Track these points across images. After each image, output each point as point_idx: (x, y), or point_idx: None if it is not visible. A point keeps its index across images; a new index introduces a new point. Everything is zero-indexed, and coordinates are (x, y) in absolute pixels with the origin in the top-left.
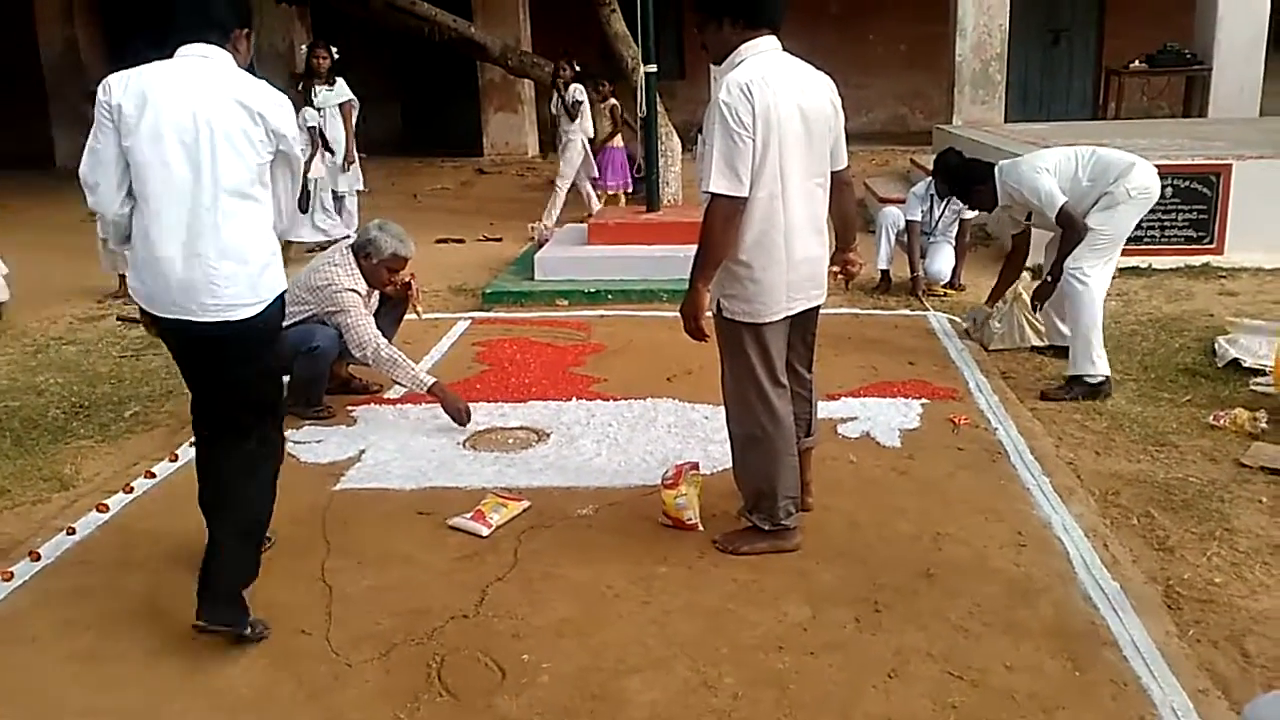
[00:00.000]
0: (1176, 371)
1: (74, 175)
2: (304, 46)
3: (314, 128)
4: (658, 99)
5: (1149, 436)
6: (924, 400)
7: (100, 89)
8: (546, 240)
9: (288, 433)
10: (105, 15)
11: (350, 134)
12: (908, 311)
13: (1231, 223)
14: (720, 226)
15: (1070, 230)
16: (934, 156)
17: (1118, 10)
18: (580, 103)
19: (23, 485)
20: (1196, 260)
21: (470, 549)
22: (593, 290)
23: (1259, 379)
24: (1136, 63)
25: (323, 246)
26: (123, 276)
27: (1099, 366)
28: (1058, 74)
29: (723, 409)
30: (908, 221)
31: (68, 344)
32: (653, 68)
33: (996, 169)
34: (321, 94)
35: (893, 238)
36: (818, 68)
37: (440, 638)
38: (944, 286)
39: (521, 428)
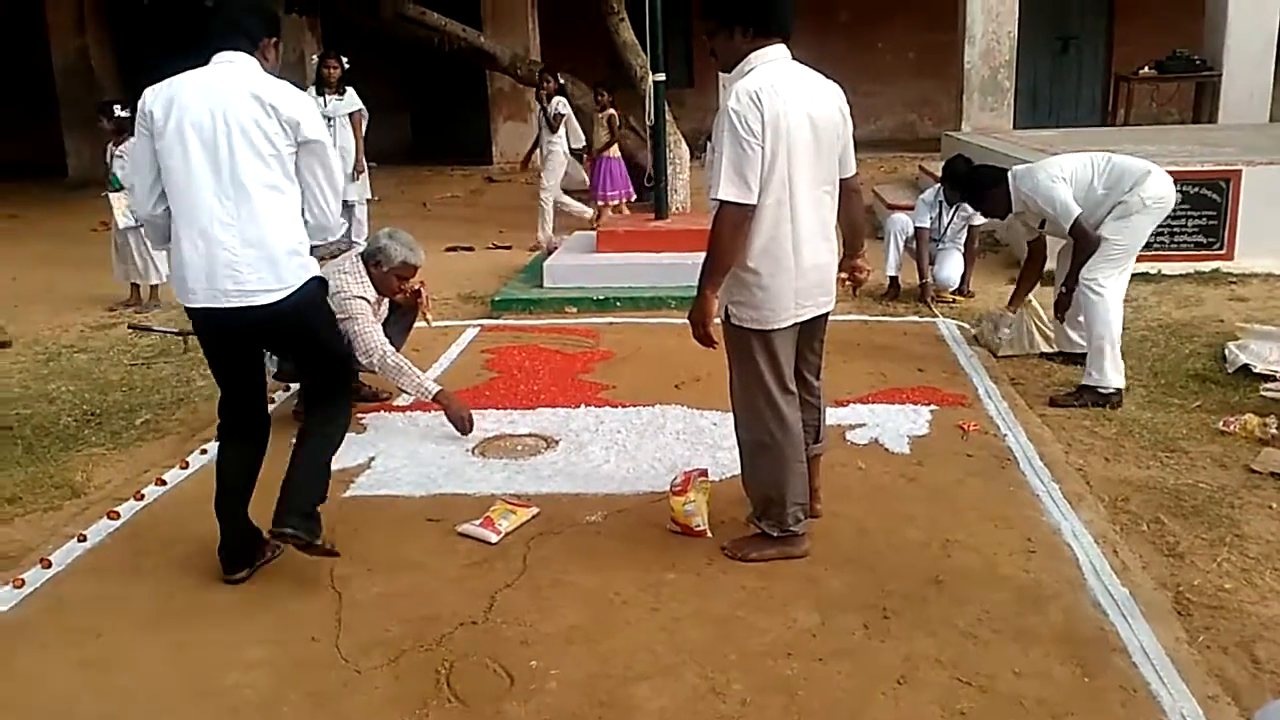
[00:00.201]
0: (1186, 377)
1: (85, 185)
2: (314, 56)
3: None
4: (666, 107)
5: (1159, 442)
6: (933, 407)
7: (140, 100)
8: (555, 248)
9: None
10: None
11: (359, 143)
12: (917, 318)
13: (1241, 228)
14: (729, 234)
15: (1084, 242)
16: (943, 163)
17: (1127, 17)
18: (562, 115)
19: (34, 493)
20: (1206, 266)
21: (479, 556)
22: (601, 297)
23: (1269, 385)
24: (1146, 69)
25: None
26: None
27: (1111, 378)
28: (1067, 81)
29: (731, 416)
30: (917, 228)
31: (79, 352)
32: (661, 76)
33: (1010, 174)
34: (331, 103)
35: (902, 244)
36: (827, 75)
37: (449, 644)
38: (953, 293)
39: (530, 434)
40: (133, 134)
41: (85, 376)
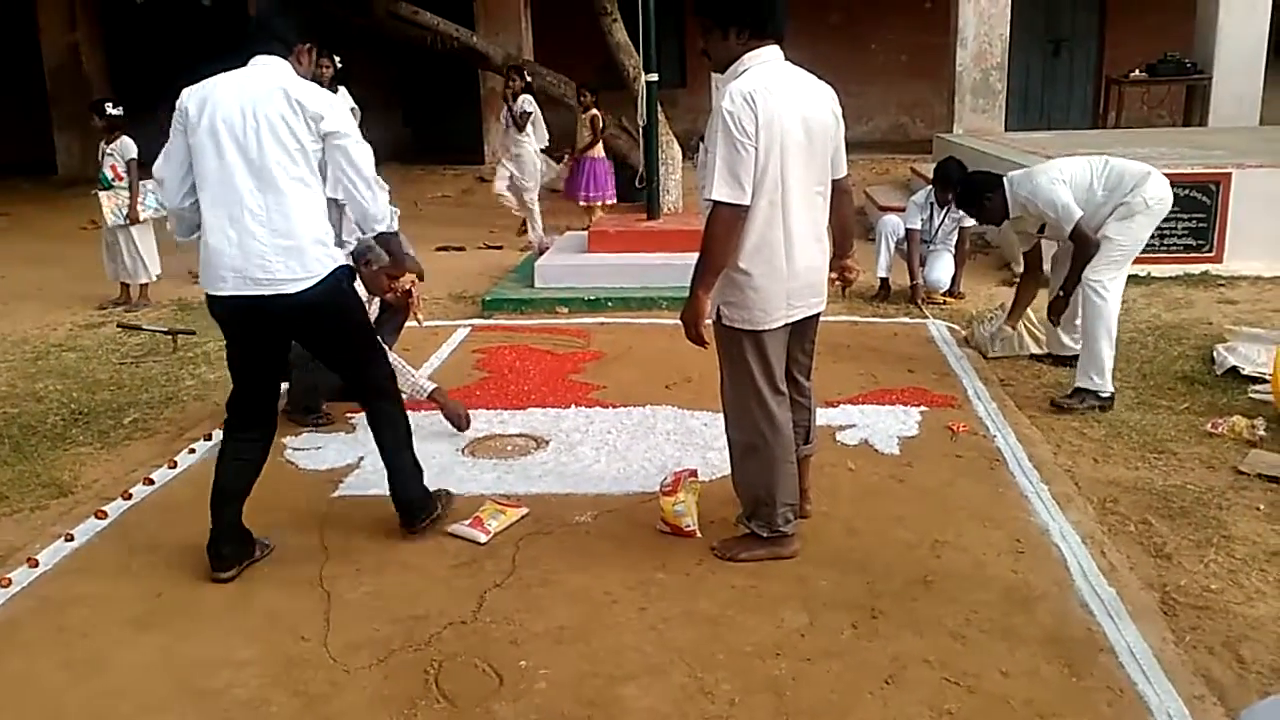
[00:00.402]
0: (1175, 379)
1: (75, 183)
2: None
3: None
4: (659, 107)
5: (1147, 444)
6: (923, 408)
7: (178, 102)
8: (547, 248)
9: (285, 439)
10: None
11: None
12: (907, 319)
13: (1231, 231)
14: (722, 234)
15: (1084, 246)
16: (934, 165)
17: (1118, 20)
18: (529, 113)
19: (21, 491)
20: (1196, 269)
21: (468, 556)
22: (592, 298)
23: (1257, 387)
24: (1137, 72)
25: None
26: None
27: (1109, 380)
28: (1058, 83)
29: (721, 416)
30: (907, 230)
31: (68, 351)
32: (654, 76)
33: (1006, 180)
34: None
35: (892, 246)
36: (819, 77)
37: (438, 644)
38: (943, 294)
39: (520, 434)
40: (124, 132)
41: (74, 375)
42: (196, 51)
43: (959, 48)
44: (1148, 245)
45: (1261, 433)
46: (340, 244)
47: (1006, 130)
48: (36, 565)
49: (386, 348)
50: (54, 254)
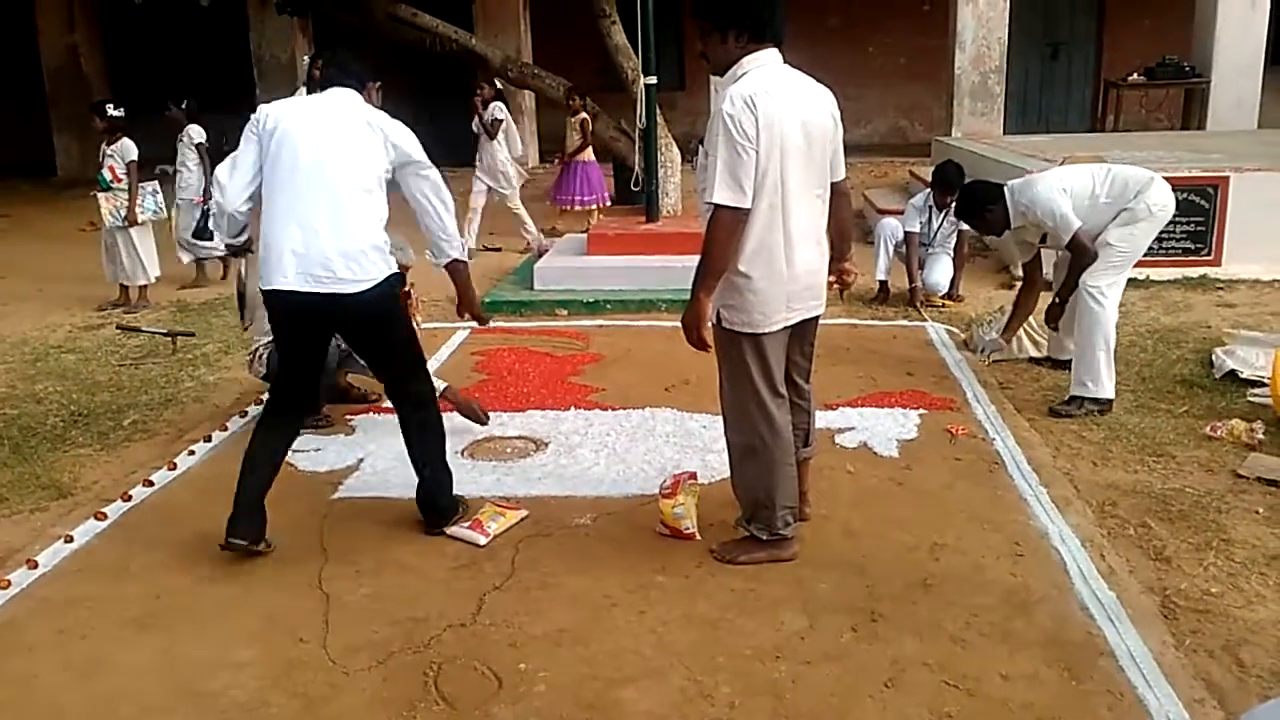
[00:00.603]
0: (1174, 383)
1: (74, 184)
2: (305, 58)
3: (201, 144)
4: (657, 110)
5: (1146, 447)
6: (922, 410)
7: (255, 116)
8: (546, 250)
9: None
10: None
11: None
12: (906, 322)
13: (1229, 235)
14: (723, 237)
15: (1081, 256)
16: (933, 168)
17: (1117, 23)
18: (500, 120)
19: (21, 493)
20: (1194, 272)
21: (468, 558)
22: (591, 300)
23: (1256, 390)
24: (1135, 75)
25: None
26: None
27: (1107, 386)
28: (1056, 86)
29: (720, 419)
30: (906, 233)
31: (67, 352)
32: (653, 79)
33: (1007, 189)
34: None
35: (891, 249)
36: (818, 80)
37: (437, 646)
38: (942, 297)
39: (520, 437)
40: (125, 134)
41: (73, 377)
42: (195, 52)
43: (957, 51)
44: (1147, 248)
45: (1260, 436)
46: None
47: (1005, 133)
48: (36, 567)
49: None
50: (53, 255)
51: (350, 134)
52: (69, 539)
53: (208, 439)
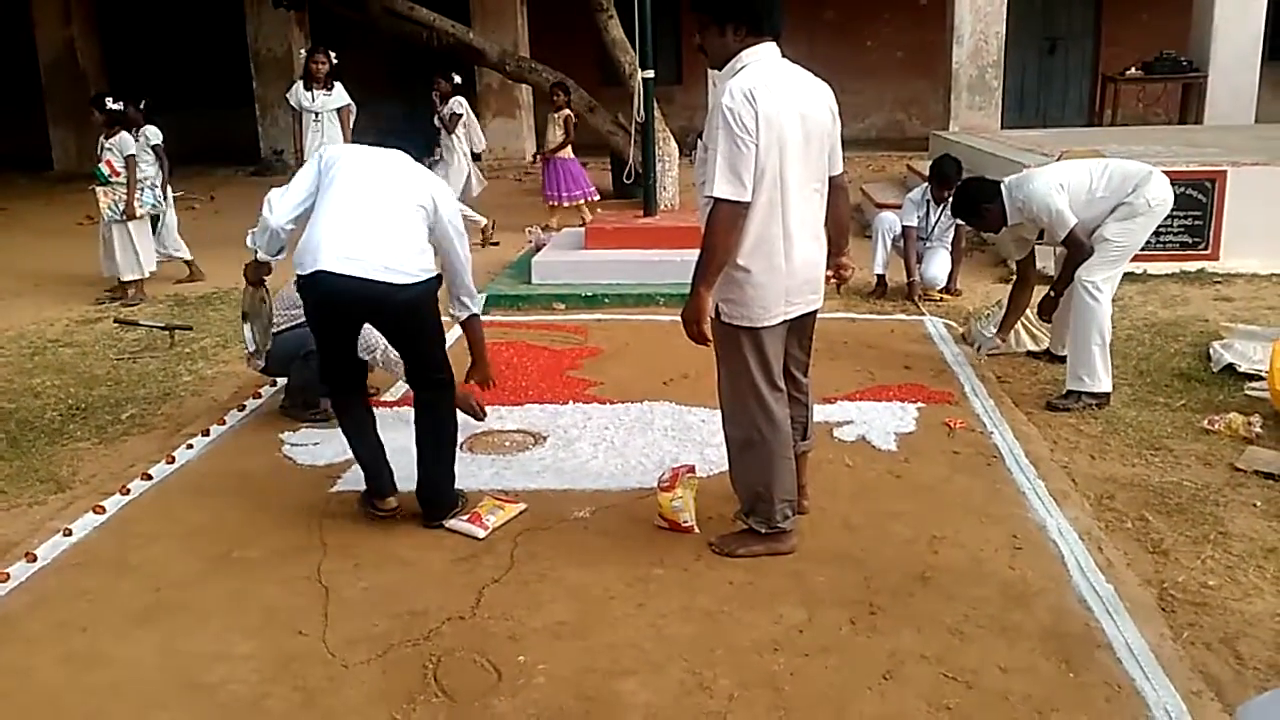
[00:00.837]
0: (1172, 376)
1: (71, 178)
2: (302, 52)
3: (158, 145)
4: (655, 104)
5: (1144, 441)
6: (920, 404)
7: (317, 156)
8: (544, 244)
9: (283, 435)
10: None
11: (348, 139)
12: (904, 316)
13: (1226, 229)
14: (723, 231)
15: (1076, 253)
16: (930, 162)
17: (1114, 18)
18: (459, 115)
19: (19, 487)
20: (1192, 266)
21: (467, 551)
22: (590, 294)
23: (1253, 384)
24: (1133, 70)
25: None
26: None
27: (1103, 380)
28: (1054, 81)
29: (719, 412)
30: (904, 227)
31: (64, 346)
32: (650, 73)
33: (1004, 186)
34: (319, 99)
35: (889, 243)
36: (815, 74)
37: (437, 639)
38: (940, 291)
39: (518, 431)
40: (124, 127)
41: (71, 370)
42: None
43: (955, 45)
44: (1144, 243)
45: (1258, 429)
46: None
47: (1002, 128)
48: (35, 560)
49: (388, 344)
50: (50, 249)
51: (401, 172)
52: (68, 532)
53: (206, 433)
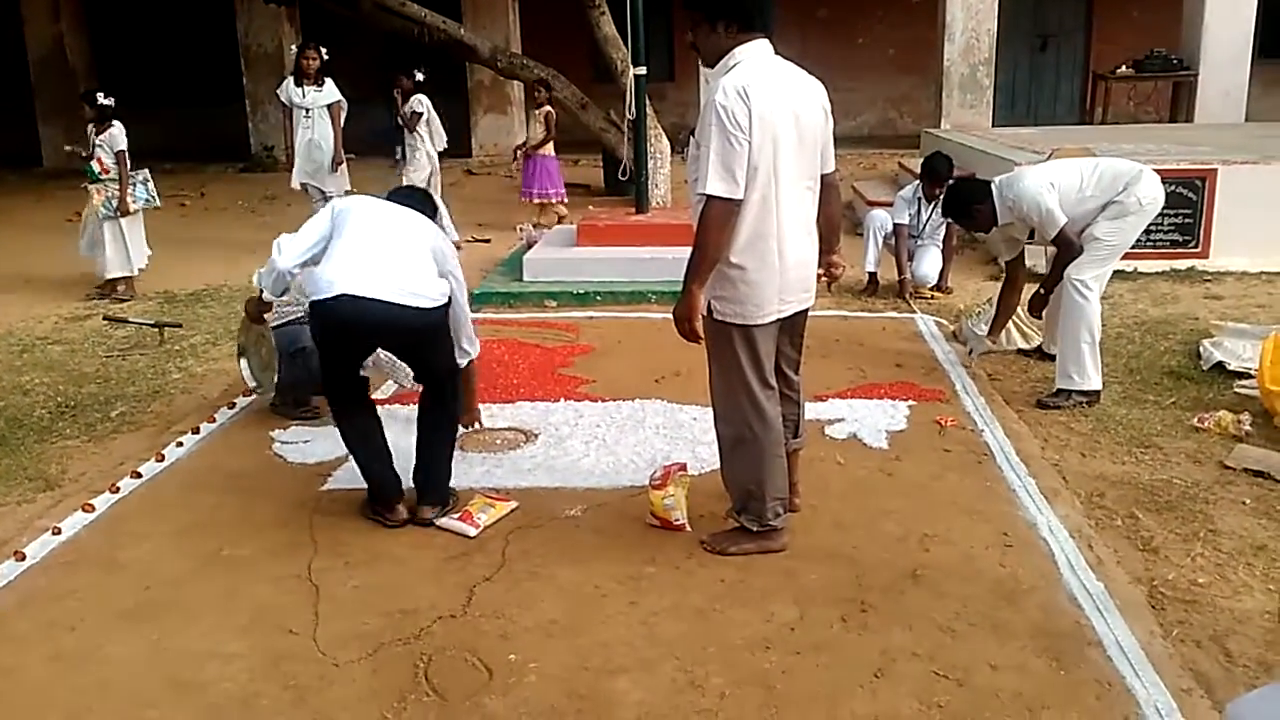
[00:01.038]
0: (1161, 374)
1: (60, 174)
2: (293, 48)
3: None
4: (647, 101)
5: (1134, 439)
6: (911, 402)
7: (331, 205)
8: (535, 241)
9: (273, 433)
10: None
11: (338, 135)
12: (895, 314)
13: (1217, 227)
14: (716, 228)
15: (1066, 252)
16: (922, 160)
17: (1105, 16)
18: (420, 114)
19: (8, 485)
20: (1182, 264)
21: (458, 549)
22: (581, 291)
23: (1243, 382)
24: (1124, 68)
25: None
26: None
27: (1092, 378)
28: (1045, 79)
29: (711, 410)
30: (895, 225)
31: (54, 343)
32: (642, 70)
33: (994, 185)
34: (310, 95)
35: (880, 240)
36: (808, 71)
37: (427, 638)
38: (931, 289)
39: (510, 428)
40: (112, 123)
41: (60, 368)
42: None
43: (947, 43)
44: (1134, 241)
45: (1247, 427)
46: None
47: (993, 125)
48: (23, 559)
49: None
50: (39, 246)
51: (413, 219)
52: (57, 531)
53: (196, 431)
